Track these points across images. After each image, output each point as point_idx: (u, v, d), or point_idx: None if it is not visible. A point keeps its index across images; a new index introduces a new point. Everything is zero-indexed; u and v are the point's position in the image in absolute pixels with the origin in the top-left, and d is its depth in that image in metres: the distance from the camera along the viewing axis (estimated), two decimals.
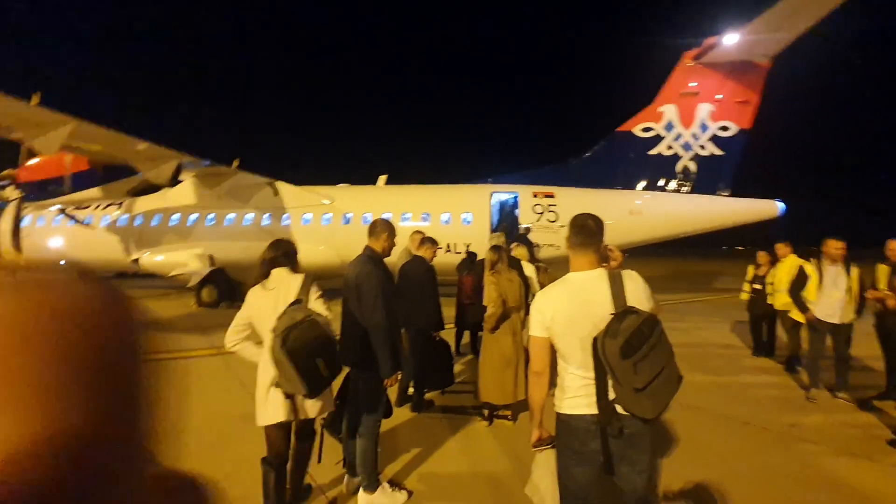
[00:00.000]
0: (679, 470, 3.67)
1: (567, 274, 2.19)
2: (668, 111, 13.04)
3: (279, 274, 2.96)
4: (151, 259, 12.65)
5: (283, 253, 3.03)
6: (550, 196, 12.77)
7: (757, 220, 12.76)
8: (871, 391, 5.40)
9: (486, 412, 4.69)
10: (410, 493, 3.30)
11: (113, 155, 10.87)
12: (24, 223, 13.85)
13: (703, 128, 12.89)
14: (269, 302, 2.86)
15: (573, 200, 12.77)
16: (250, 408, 4.95)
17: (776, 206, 12.55)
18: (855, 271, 5.41)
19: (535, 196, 12.73)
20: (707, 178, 12.80)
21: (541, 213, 12.58)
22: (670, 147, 12.97)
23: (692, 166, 12.87)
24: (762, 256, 7.43)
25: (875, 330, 5.39)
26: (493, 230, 12.33)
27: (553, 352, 2.17)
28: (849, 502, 3.28)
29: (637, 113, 13.38)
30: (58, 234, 13.74)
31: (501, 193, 12.90)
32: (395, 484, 3.35)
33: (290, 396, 2.80)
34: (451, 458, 3.96)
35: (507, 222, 12.37)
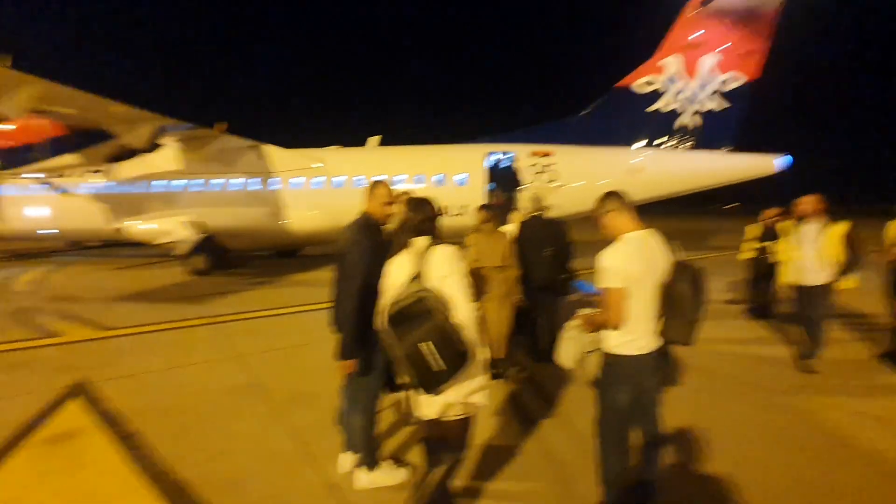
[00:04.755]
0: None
1: (624, 234, 2.51)
2: (671, 64, 12.49)
3: (418, 243, 2.47)
4: (136, 227, 12.23)
5: (426, 218, 2.54)
6: (548, 155, 12.40)
7: (752, 176, 12.50)
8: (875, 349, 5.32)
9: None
10: (414, 469, 3.12)
11: (87, 118, 10.28)
12: (2, 193, 13.32)
13: (708, 80, 12.40)
14: (402, 276, 2.42)
15: (571, 159, 12.45)
16: (243, 379, 4.85)
17: (772, 163, 12.25)
18: (840, 229, 4.83)
19: (532, 155, 12.36)
20: (711, 133, 12.41)
21: (539, 173, 12.25)
22: (672, 101, 12.50)
23: (695, 121, 12.46)
24: (769, 213, 7.19)
25: (890, 287, 5.23)
26: (491, 190, 12.02)
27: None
28: (824, 451, 3.18)
29: (638, 67, 12.84)
30: (37, 203, 13.24)
31: (497, 153, 12.50)
32: (397, 460, 3.18)
33: (406, 387, 2.42)
34: None
35: (505, 182, 12.04)
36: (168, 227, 11.83)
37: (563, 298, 5.24)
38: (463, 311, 2.29)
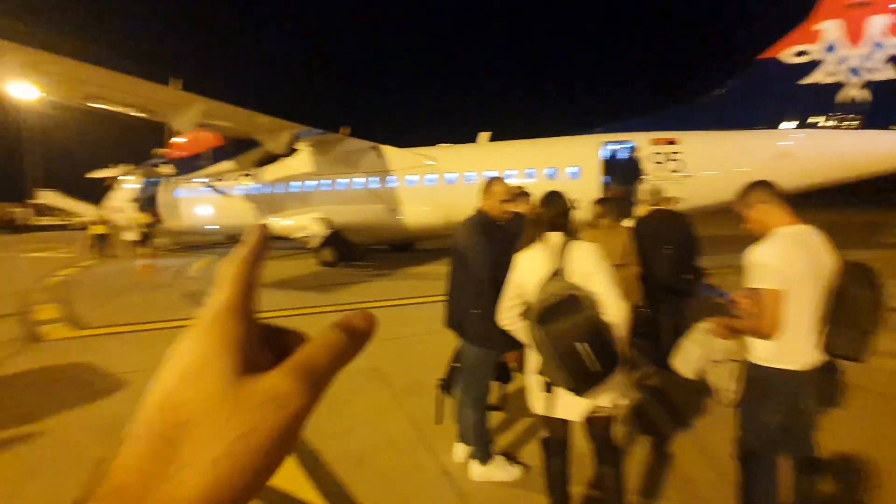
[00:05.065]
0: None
1: (779, 229, 2.20)
2: (830, 29, 10.67)
3: (552, 238, 2.39)
4: (278, 223, 13.86)
5: (560, 212, 2.44)
6: (672, 142, 11.37)
7: None
8: None
9: None
10: (527, 468, 3.11)
11: (239, 129, 11.88)
12: (178, 195, 15.96)
13: (878, 46, 10.36)
14: (536, 272, 2.34)
15: (700, 146, 11.27)
16: (365, 364, 5.23)
17: None
18: None
19: (654, 143, 11.43)
20: (882, 108, 10.37)
21: (660, 163, 11.30)
22: (832, 73, 10.68)
23: (862, 95, 10.50)
24: None
25: None
26: (607, 183, 11.42)
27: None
28: None
29: (786, 35, 11.17)
30: (204, 203, 15.64)
31: (614, 144, 11.79)
32: (511, 456, 3.20)
33: (549, 388, 2.31)
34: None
35: (623, 175, 11.33)
36: (302, 223, 13.20)
37: (688, 300, 4.81)
38: (614, 309, 2.20)
